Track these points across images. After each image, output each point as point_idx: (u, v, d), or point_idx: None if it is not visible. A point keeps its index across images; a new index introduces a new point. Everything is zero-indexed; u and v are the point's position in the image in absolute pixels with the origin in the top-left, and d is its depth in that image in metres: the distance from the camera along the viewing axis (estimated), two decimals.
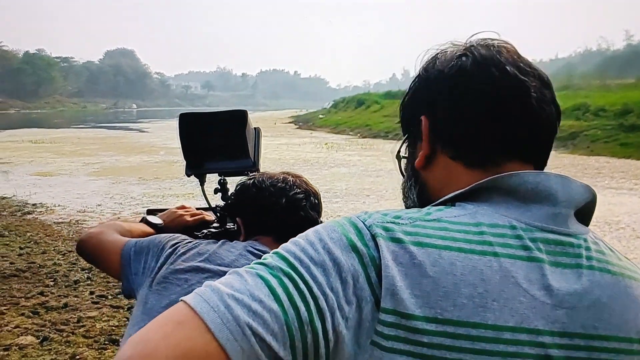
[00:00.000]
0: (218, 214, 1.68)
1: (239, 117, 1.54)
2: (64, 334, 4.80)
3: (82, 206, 11.05)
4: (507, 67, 0.83)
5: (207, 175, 1.65)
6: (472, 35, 0.91)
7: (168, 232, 1.58)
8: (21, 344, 4.58)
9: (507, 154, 0.84)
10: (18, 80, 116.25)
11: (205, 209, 1.71)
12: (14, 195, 12.11)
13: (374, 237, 0.73)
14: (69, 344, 4.62)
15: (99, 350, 4.52)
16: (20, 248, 7.74)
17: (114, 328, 4.97)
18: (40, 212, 10.45)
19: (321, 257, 0.72)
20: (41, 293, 5.87)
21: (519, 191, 0.79)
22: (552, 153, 0.90)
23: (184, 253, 1.34)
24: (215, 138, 1.41)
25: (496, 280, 0.72)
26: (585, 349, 0.74)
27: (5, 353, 4.41)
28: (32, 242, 8.09)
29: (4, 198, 11.87)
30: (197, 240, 1.41)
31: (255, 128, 1.60)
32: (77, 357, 4.38)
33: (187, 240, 1.42)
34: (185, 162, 1.61)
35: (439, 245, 0.73)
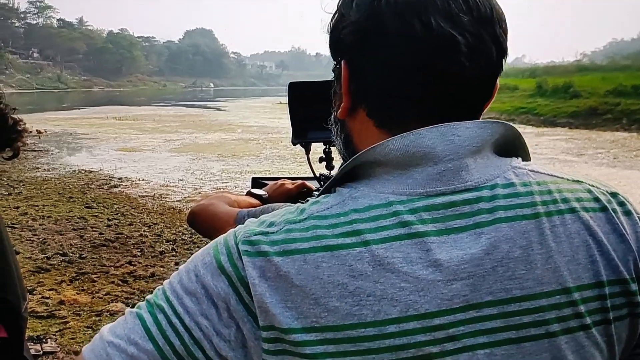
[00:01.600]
0: (322, 183, 1.68)
1: None
2: None
3: (164, 181, 11.43)
4: (432, 19, 0.68)
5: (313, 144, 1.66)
6: None
7: (273, 202, 1.60)
8: (112, 310, 4.80)
9: (421, 115, 0.71)
10: (102, 59, 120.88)
11: (309, 178, 1.72)
12: (100, 170, 12.66)
13: (240, 255, 0.68)
14: None
15: None
16: (108, 219, 8.08)
17: None
18: (126, 185, 10.87)
19: (193, 285, 0.69)
20: (129, 262, 6.12)
21: (390, 161, 0.69)
22: None
23: None
24: (322, 107, 1.40)
25: (369, 273, 0.64)
26: (500, 316, 0.65)
27: (98, 319, 4.64)
28: (119, 214, 8.44)
29: (91, 172, 12.43)
30: None
31: None
32: None
33: None
34: (292, 131, 1.62)
35: (303, 249, 0.66)
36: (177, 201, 9.56)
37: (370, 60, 0.72)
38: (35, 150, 14.97)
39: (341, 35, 0.75)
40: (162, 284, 0.73)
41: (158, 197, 9.88)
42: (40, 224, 7.63)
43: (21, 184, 10.60)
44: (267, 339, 0.66)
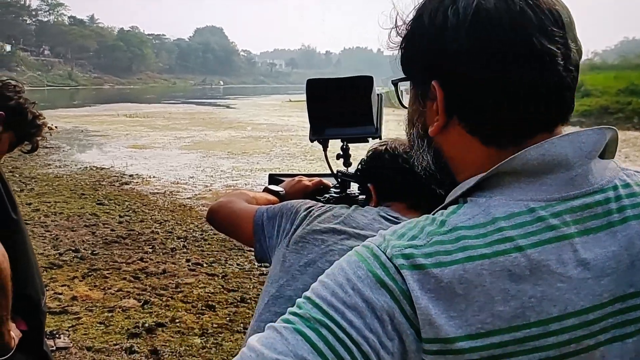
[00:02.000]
0: (339, 179, 1.69)
1: (365, 83, 1.54)
2: (164, 299, 5.03)
3: (175, 178, 11.48)
4: (533, 37, 0.72)
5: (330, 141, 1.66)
6: None
7: (290, 198, 1.62)
8: (124, 306, 4.83)
9: (531, 128, 0.76)
10: (112, 56, 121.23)
11: (326, 175, 1.74)
12: (111, 167, 12.73)
13: (398, 269, 0.70)
14: (169, 307, 4.84)
15: (197, 315, 4.70)
16: (120, 216, 8.13)
17: (210, 295, 5.15)
18: (137, 182, 10.93)
19: (352, 299, 0.69)
20: (141, 259, 6.15)
21: (525, 170, 0.73)
22: None
23: (319, 215, 1.38)
24: (340, 104, 1.41)
25: (527, 276, 0.68)
26: None
27: (110, 314, 4.67)
28: (130, 211, 8.49)
29: (102, 168, 12.50)
30: (329, 205, 1.44)
31: (378, 94, 1.60)
32: (177, 320, 4.58)
33: (319, 205, 1.45)
34: (309, 128, 1.63)
35: (459, 259, 0.69)
36: (187, 198, 9.60)
37: (475, 81, 0.75)
38: (46, 147, 15.05)
39: (434, 54, 0.77)
40: (306, 298, 0.72)
41: (169, 195, 9.92)
42: (52, 220, 7.68)
43: (33, 180, 10.67)
44: (429, 351, 0.68)
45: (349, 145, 1.65)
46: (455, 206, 0.76)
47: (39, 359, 1.96)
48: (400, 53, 0.84)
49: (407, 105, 0.89)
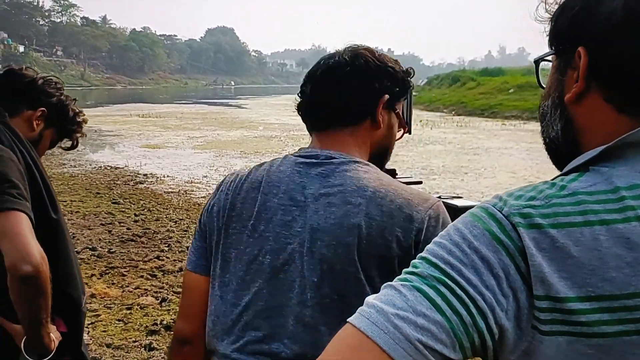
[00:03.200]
0: None
1: None
2: None
3: (189, 177, 11.53)
4: None
5: None
6: None
7: None
8: (142, 303, 4.86)
9: None
10: (125, 56, 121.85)
11: None
12: (125, 166, 12.81)
13: (514, 227, 0.72)
14: None
15: None
16: (135, 215, 8.18)
17: None
18: (151, 182, 10.98)
19: (469, 257, 0.72)
20: (157, 257, 6.19)
21: None
22: None
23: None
24: None
25: None
26: None
27: (128, 312, 4.70)
28: (145, 210, 8.54)
29: (117, 168, 12.58)
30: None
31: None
32: None
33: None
34: None
35: (578, 222, 0.71)
36: (202, 197, 9.63)
37: (628, 48, 0.76)
38: (61, 147, 15.12)
39: (584, 22, 0.80)
40: (421, 258, 0.75)
41: (183, 193, 9.97)
42: (69, 219, 7.73)
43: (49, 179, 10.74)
44: (540, 308, 0.70)
45: None
46: (576, 174, 0.77)
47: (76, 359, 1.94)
48: (550, 25, 0.87)
49: (544, 85, 0.91)
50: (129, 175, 11.60)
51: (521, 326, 0.71)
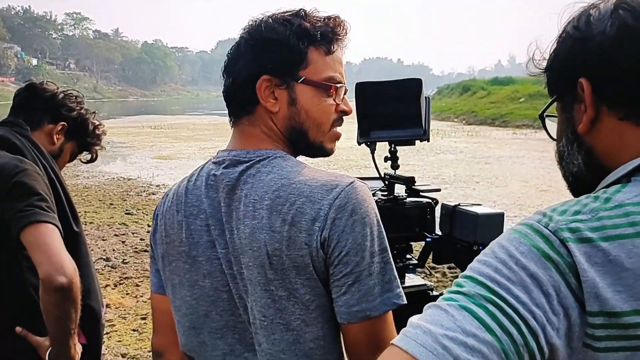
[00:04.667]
0: (386, 182, 1.71)
1: (414, 86, 1.56)
2: None
3: None
4: None
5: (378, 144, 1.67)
6: None
7: None
8: None
9: None
10: (137, 69, 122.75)
11: (374, 178, 1.75)
12: (138, 177, 12.88)
13: (563, 242, 0.71)
14: None
15: None
16: (148, 225, 8.21)
17: None
18: (164, 192, 11.00)
19: (517, 275, 0.70)
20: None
21: None
22: None
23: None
24: (389, 106, 1.43)
25: None
26: None
27: (143, 322, 4.74)
28: None
29: (129, 179, 12.66)
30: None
31: (426, 97, 1.62)
32: None
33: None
34: (358, 131, 1.64)
35: (629, 234, 0.70)
36: None
37: (622, 65, 0.79)
38: (80, 160, 15.21)
39: (580, 52, 0.83)
40: (466, 277, 0.73)
41: None
42: (83, 231, 7.79)
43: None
44: (594, 325, 0.69)
45: (397, 147, 1.67)
46: (618, 185, 0.77)
47: None
48: (545, 78, 0.91)
49: (554, 137, 0.94)
50: (142, 186, 11.67)
51: (572, 345, 0.70)
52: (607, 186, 0.79)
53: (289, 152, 1.21)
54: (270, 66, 1.18)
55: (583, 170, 0.88)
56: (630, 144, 0.81)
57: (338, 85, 1.22)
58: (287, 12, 1.22)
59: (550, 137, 0.96)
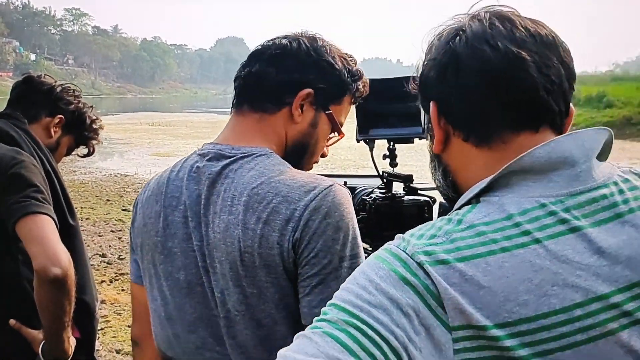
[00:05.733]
0: (385, 180, 1.70)
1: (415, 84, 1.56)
2: None
3: None
4: (499, 43, 0.81)
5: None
6: (472, 6, 0.89)
7: None
8: None
9: (512, 128, 0.82)
10: (135, 66, 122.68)
11: (372, 176, 1.75)
12: (135, 174, 12.87)
13: (420, 265, 0.73)
14: None
15: None
16: None
17: None
18: None
19: (377, 298, 0.72)
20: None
21: (534, 167, 0.78)
22: None
23: None
24: (388, 104, 1.42)
25: (548, 266, 0.72)
26: None
27: None
28: None
29: (127, 175, 12.65)
30: None
31: None
32: None
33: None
34: (357, 128, 1.63)
35: (482, 253, 0.73)
36: None
37: (452, 89, 0.84)
38: (77, 154, 15.21)
39: (425, 77, 0.89)
40: (331, 305, 0.75)
41: None
42: (79, 226, 7.78)
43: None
44: (462, 338, 0.71)
45: (396, 145, 1.66)
46: (469, 206, 0.81)
47: None
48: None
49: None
50: (139, 183, 11.64)
51: None
52: (460, 207, 0.82)
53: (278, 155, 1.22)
54: (319, 85, 1.22)
55: (444, 187, 0.94)
56: (474, 165, 0.86)
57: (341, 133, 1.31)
58: (342, 50, 1.28)
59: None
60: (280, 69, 1.21)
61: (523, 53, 0.80)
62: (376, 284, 0.73)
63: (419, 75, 0.93)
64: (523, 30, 0.82)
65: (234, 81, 1.30)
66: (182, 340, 1.21)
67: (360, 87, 1.30)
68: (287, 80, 1.21)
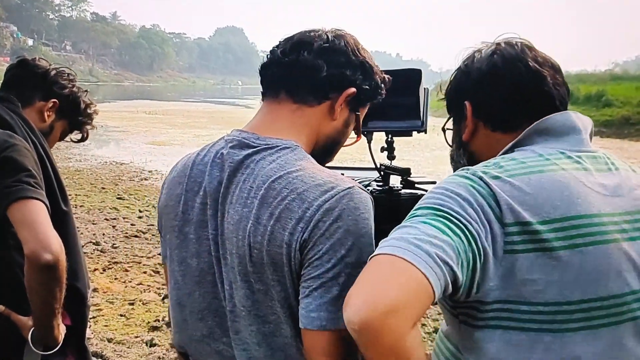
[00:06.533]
0: (382, 173, 1.69)
1: (414, 76, 1.55)
2: None
3: None
4: (529, 62, 1.13)
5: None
6: (498, 37, 1.21)
7: None
8: (145, 299, 4.86)
9: (531, 121, 1.12)
10: (134, 53, 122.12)
11: (370, 169, 1.73)
12: (131, 162, 12.82)
13: (481, 178, 1.01)
14: None
15: None
16: (140, 211, 8.19)
17: None
18: (156, 178, 10.99)
19: (454, 199, 0.98)
20: (161, 254, 6.17)
21: (554, 128, 1.11)
22: None
23: None
24: (387, 96, 1.41)
25: (572, 184, 1.02)
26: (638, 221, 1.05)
27: (131, 307, 4.70)
28: (150, 206, 8.53)
29: (122, 164, 12.60)
30: None
31: (425, 88, 1.60)
32: None
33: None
34: None
35: (525, 172, 1.02)
36: None
37: (491, 92, 1.17)
38: (66, 141, 15.14)
39: (464, 85, 1.21)
40: (417, 208, 1.01)
41: None
42: (73, 213, 7.73)
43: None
44: (511, 233, 0.96)
45: (394, 138, 1.65)
46: (509, 153, 1.11)
47: (79, 353, 1.93)
48: (445, 101, 1.28)
49: (450, 143, 1.32)
50: (134, 171, 11.61)
51: (497, 255, 0.96)
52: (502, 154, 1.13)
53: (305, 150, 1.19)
54: (363, 86, 1.22)
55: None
56: (500, 145, 1.15)
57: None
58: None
59: (448, 144, 1.32)
60: (330, 63, 1.18)
61: (544, 72, 1.14)
62: (451, 190, 1.00)
63: (452, 79, 1.24)
64: (540, 58, 1.16)
65: (266, 68, 1.24)
66: (190, 326, 1.20)
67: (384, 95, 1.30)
68: (337, 76, 1.19)
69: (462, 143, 1.23)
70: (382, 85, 1.27)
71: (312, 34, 1.22)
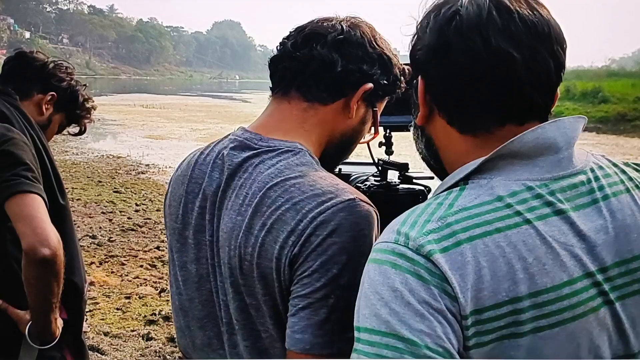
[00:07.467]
0: (380, 168, 1.69)
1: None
2: None
3: None
4: (491, 37, 0.79)
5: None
6: None
7: None
8: (141, 293, 4.86)
9: (497, 119, 0.83)
10: (131, 47, 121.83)
11: (367, 164, 1.73)
12: (128, 156, 12.81)
13: (427, 258, 0.73)
14: None
15: None
16: (137, 204, 8.18)
17: None
18: (153, 172, 10.98)
19: (408, 308, 0.72)
20: (157, 247, 6.19)
21: (521, 153, 0.81)
22: None
23: None
24: None
25: (539, 245, 0.76)
26: (628, 273, 0.80)
27: (127, 301, 4.71)
28: (146, 200, 8.54)
29: (119, 157, 12.58)
30: None
31: None
32: None
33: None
34: None
35: (478, 234, 0.75)
36: None
37: (440, 74, 0.85)
38: (63, 134, 15.11)
39: (417, 55, 0.88)
40: (358, 330, 0.74)
41: None
42: (70, 207, 7.73)
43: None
44: (467, 326, 0.72)
45: (392, 133, 1.64)
46: (457, 189, 0.82)
47: (75, 348, 1.93)
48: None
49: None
50: (131, 165, 11.60)
51: (462, 355, 0.73)
52: (447, 189, 0.84)
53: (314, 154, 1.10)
54: (380, 81, 1.13)
55: (426, 156, 0.96)
56: (457, 147, 0.87)
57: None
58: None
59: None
60: (346, 58, 1.09)
61: (513, 52, 0.79)
62: (400, 291, 0.73)
63: (410, 48, 0.91)
64: (519, 23, 0.80)
65: (275, 61, 1.15)
66: (192, 333, 1.15)
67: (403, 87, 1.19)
68: (353, 71, 1.09)
69: (417, 125, 0.95)
70: (402, 77, 1.17)
71: (325, 24, 1.12)
